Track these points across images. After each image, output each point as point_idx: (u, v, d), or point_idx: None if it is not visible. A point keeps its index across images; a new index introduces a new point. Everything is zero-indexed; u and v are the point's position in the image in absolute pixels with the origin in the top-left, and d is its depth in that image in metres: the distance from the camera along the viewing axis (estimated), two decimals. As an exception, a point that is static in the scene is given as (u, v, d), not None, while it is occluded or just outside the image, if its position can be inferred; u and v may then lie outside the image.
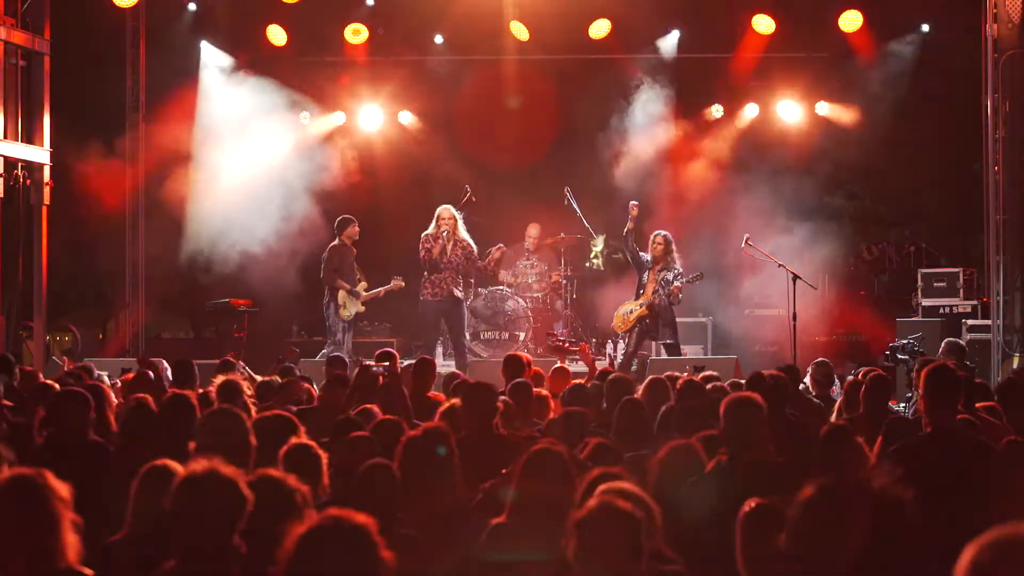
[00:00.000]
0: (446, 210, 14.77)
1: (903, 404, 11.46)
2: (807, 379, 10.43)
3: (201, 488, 4.04)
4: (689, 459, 5.72)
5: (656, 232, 14.95)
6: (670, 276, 14.56)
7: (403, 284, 15.34)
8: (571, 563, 4.12)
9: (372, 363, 8.87)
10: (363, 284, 15.36)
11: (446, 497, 5.44)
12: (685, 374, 9.08)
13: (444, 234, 14.63)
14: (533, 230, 17.05)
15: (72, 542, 3.90)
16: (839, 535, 3.90)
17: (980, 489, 5.65)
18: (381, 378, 8.44)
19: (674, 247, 14.90)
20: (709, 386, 8.12)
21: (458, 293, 14.75)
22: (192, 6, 17.36)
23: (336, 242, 15.40)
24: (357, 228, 15.36)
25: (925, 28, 17.21)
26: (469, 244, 14.87)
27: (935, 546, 2.98)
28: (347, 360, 11.69)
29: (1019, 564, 2.70)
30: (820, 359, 10.49)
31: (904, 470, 5.78)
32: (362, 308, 15.37)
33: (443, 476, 5.51)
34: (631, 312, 14.82)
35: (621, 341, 15.29)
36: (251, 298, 16.92)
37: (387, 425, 6.49)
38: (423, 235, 14.77)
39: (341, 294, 15.25)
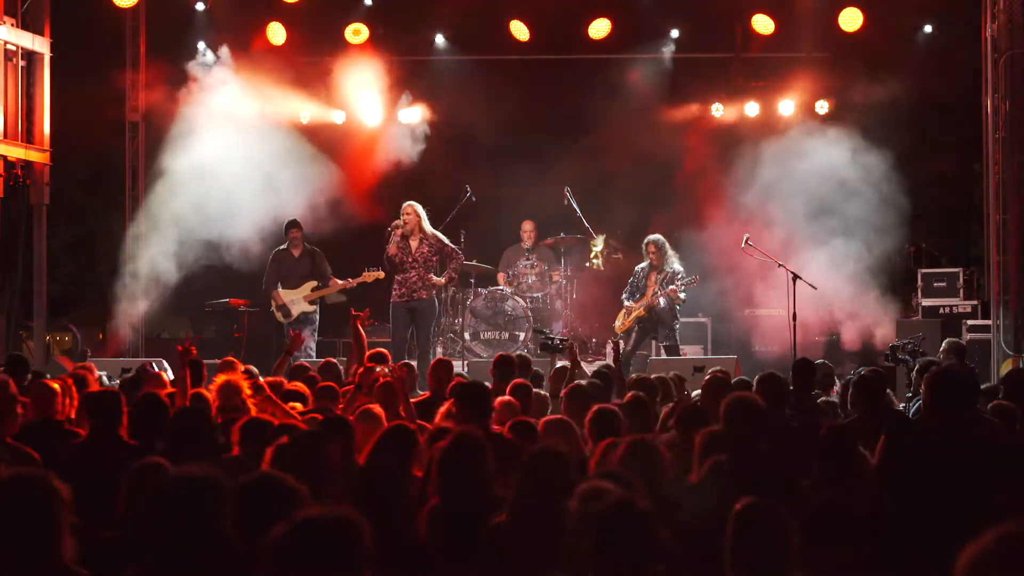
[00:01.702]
0: (409, 206, 14.46)
1: (902, 404, 11.44)
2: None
3: (179, 491, 4.04)
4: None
5: (647, 240, 15.02)
6: (667, 278, 14.69)
7: (382, 275, 14.86)
8: (582, 561, 4.13)
9: (374, 364, 8.89)
10: (310, 284, 15.24)
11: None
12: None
13: (400, 232, 14.42)
14: (527, 225, 17.06)
15: (69, 542, 3.90)
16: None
17: (989, 489, 5.66)
18: (382, 378, 8.44)
19: (668, 248, 14.98)
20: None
21: (424, 293, 14.47)
22: (200, 5, 17.37)
23: (280, 248, 15.49)
24: (296, 232, 15.30)
25: (928, 28, 17.19)
26: (437, 238, 14.57)
27: (948, 544, 2.96)
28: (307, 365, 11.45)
29: (1019, 562, 2.69)
30: (818, 360, 10.49)
31: (915, 469, 5.81)
32: (310, 308, 15.20)
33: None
34: (630, 313, 14.97)
35: (622, 342, 15.31)
36: (250, 298, 16.94)
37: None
38: None
39: (273, 304, 15.29)
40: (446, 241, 14.65)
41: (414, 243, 14.44)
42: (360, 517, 3.47)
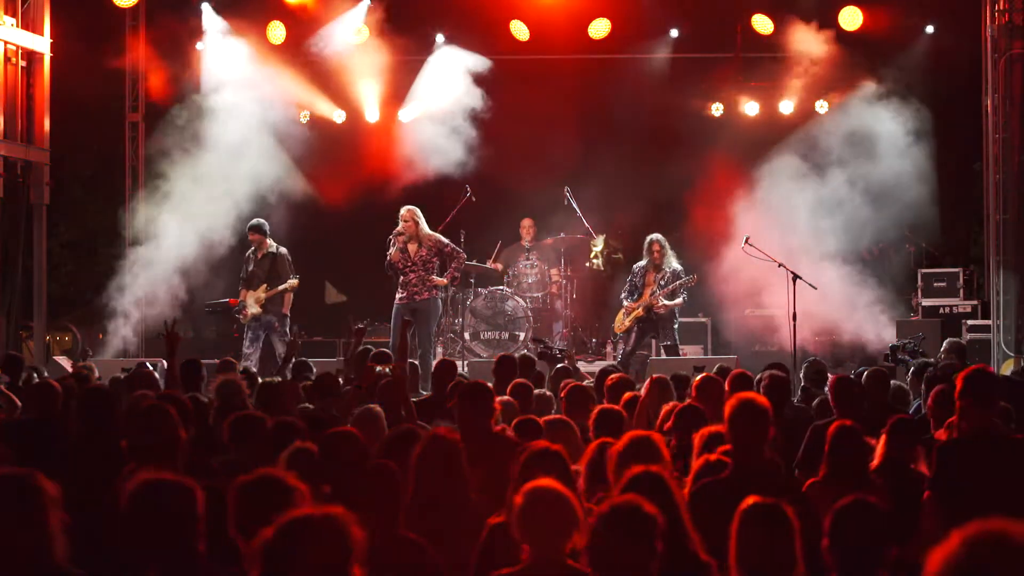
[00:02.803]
0: (407, 211, 14.45)
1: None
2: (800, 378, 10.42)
3: (150, 498, 4.03)
4: None
5: (650, 238, 14.99)
6: (665, 278, 14.70)
7: (296, 283, 15.02)
8: (581, 560, 4.14)
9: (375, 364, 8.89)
10: (264, 286, 15.01)
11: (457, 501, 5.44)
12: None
13: (398, 237, 14.40)
14: (526, 222, 17.13)
15: (61, 541, 3.89)
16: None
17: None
18: (385, 378, 8.44)
19: (668, 249, 14.98)
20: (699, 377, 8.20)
21: (426, 295, 14.41)
22: (205, 5, 17.35)
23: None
24: (253, 235, 15.12)
25: (928, 29, 17.18)
26: (436, 240, 14.51)
27: None
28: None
29: (997, 563, 2.69)
30: (812, 358, 10.50)
31: (947, 471, 5.84)
32: (257, 310, 15.05)
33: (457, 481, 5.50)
34: (629, 313, 14.96)
35: (621, 342, 15.31)
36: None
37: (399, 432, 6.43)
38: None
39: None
40: (446, 242, 14.62)
41: (413, 247, 14.43)
42: (346, 515, 3.47)
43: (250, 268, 15.28)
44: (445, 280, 14.65)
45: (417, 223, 14.39)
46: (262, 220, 15.45)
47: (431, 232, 14.57)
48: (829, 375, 9.43)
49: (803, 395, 9.82)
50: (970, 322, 15.68)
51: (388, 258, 14.47)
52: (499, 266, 17.04)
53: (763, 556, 4.17)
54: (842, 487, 5.21)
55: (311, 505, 4.34)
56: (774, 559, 4.17)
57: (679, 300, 14.83)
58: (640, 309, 14.87)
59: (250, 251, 15.42)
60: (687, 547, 4.50)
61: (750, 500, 4.27)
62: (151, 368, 11.11)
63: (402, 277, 14.42)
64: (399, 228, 14.43)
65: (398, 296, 14.47)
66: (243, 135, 16.93)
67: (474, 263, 16.47)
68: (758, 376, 8.84)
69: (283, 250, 15.31)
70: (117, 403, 6.90)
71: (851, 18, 16.81)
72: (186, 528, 4.04)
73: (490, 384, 7.39)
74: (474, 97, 17.13)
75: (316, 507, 3.54)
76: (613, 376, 8.91)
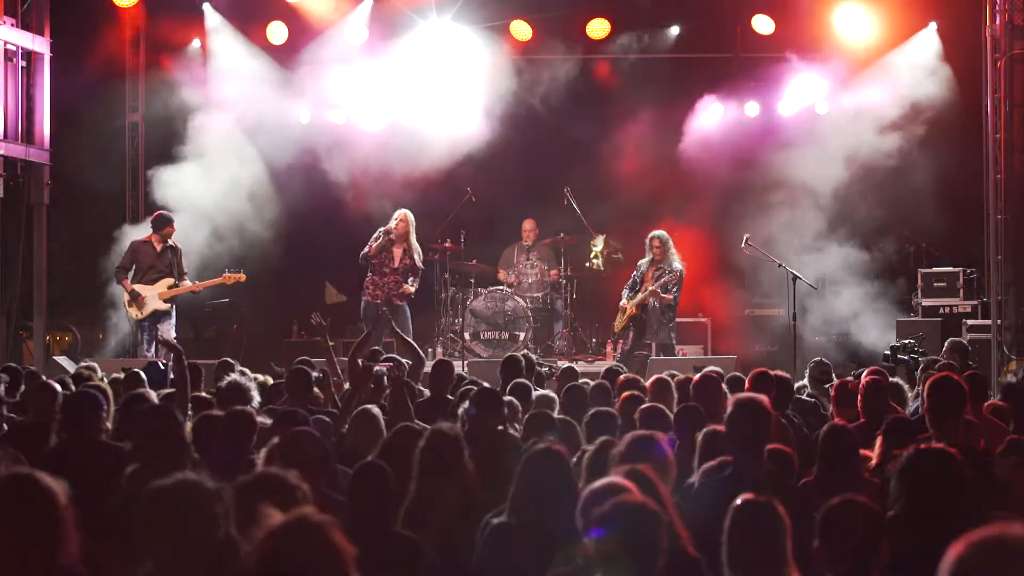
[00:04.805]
0: (402, 214, 14.65)
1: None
2: (805, 378, 10.42)
3: (170, 499, 4.03)
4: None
5: (652, 234, 15.00)
6: (663, 276, 14.69)
7: (242, 278, 14.72)
8: (585, 561, 4.15)
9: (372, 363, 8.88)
10: (166, 281, 14.63)
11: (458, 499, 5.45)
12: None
13: (387, 236, 14.47)
14: (528, 224, 17.13)
15: (71, 540, 3.89)
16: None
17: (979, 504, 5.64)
18: (385, 377, 8.44)
19: (672, 246, 14.96)
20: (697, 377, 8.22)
21: (398, 299, 14.62)
22: (207, 6, 17.33)
23: (140, 239, 14.97)
24: (169, 228, 14.75)
25: (928, 28, 17.16)
26: (417, 253, 14.76)
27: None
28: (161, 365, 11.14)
29: (1002, 565, 2.69)
30: (818, 358, 10.50)
31: (908, 485, 5.80)
32: (164, 306, 14.61)
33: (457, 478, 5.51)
34: (625, 311, 14.97)
35: (622, 342, 15.31)
36: (251, 297, 16.95)
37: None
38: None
39: (124, 294, 14.71)
40: (419, 258, 14.88)
41: (398, 252, 14.53)
42: (328, 519, 3.47)
43: (147, 259, 14.69)
44: (412, 290, 14.79)
45: (408, 228, 14.54)
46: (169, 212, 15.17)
47: (416, 244, 14.76)
48: (847, 377, 9.43)
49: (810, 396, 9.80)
50: (970, 322, 15.67)
51: (367, 249, 14.59)
52: (502, 274, 17.09)
53: (753, 553, 4.17)
54: (834, 487, 5.20)
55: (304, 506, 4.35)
56: (764, 557, 4.16)
57: (669, 296, 14.76)
58: (634, 307, 14.86)
59: (142, 240, 14.89)
60: (675, 543, 4.49)
61: (742, 497, 4.27)
62: (163, 366, 11.05)
63: (379, 277, 14.54)
64: (391, 227, 14.51)
65: (370, 293, 14.65)
66: (243, 135, 16.93)
67: (473, 263, 16.50)
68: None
69: (180, 245, 15.01)
70: (99, 406, 6.80)
71: (851, 18, 16.80)
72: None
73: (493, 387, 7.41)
74: (475, 98, 17.13)
75: (304, 513, 3.53)
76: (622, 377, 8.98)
